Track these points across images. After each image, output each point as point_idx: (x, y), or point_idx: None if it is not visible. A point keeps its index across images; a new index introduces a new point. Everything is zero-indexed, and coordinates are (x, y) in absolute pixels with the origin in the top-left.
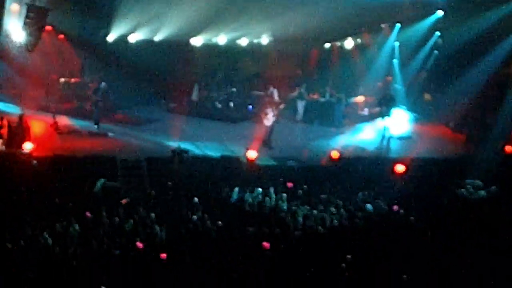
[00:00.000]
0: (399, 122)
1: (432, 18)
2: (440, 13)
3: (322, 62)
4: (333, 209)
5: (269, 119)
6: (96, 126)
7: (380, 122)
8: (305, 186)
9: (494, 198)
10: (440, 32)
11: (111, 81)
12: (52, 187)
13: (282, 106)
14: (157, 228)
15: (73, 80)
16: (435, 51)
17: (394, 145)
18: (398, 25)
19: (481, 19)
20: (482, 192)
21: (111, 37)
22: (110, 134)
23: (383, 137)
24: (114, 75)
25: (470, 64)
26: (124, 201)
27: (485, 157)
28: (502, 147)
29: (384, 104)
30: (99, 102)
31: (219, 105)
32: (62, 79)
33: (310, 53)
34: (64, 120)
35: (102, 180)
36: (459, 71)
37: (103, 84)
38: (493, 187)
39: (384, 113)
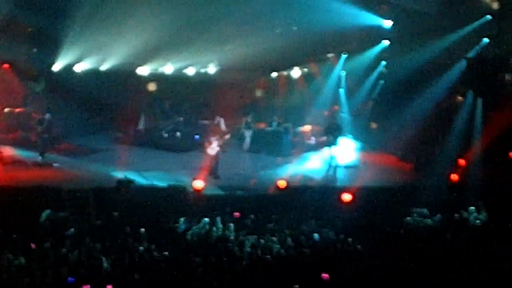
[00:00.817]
0: (346, 151)
1: (378, 48)
2: (385, 43)
3: (269, 91)
4: (280, 238)
5: (213, 148)
6: (40, 157)
7: (327, 151)
8: (252, 216)
9: (439, 226)
10: (386, 61)
11: (56, 111)
12: None
13: (227, 137)
14: (103, 259)
15: (17, 110)
16: (381, 81)
17: (341, 174)
18: (345, 54)
19: (427, 49)
20: (428, 220)
21: (57, 67)
22: (55, 164)
23: (330, 166)
24: (60, 105)
25: (416, 93)
26: (70, 232)
27: (431, 185)
28: (448, 175)
29: (330, 133)
30: (44, 132)
31: (166, 135)
32: (6, 109)
33: (257, 83)
34: (8, 151)
35: (47, 211)
36: (405, 100)
37: (47, 114)
38: (438, 215)
39: (331, 142)
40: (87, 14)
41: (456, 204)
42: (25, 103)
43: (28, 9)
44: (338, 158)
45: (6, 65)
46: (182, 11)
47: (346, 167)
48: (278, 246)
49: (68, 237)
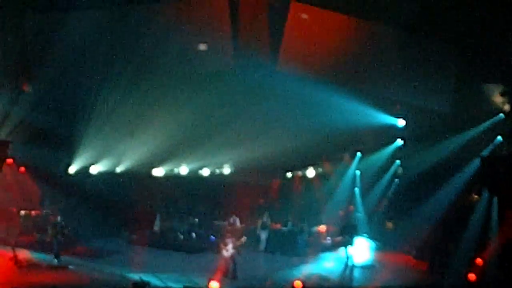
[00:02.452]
0: (362, 251)
1: (392, 147)
2: (399, 141)
3: (284, 191)
4: None
5: (228, 250)
6: (56, 260)
7: (343, 251)
8: None
9: None
10: (400, 160)
11: (72, 213)
12: None
13: (243, 239)
14: None
15: (33, 212)
16: (396, 179)
17: (357, 274)
18: (359, 154)
19: (441, 147)
20: None
21: (72, 169)
22: (70, 267)
23: (346, 266)
24: (75, 206)
25: (431, 192)
26: None
27: (448, 285)
28: (465, 274)
29: (346, 232)
30: (57, 235)
31: (181, 236)
32: (22, 212)
33: (272, 183)
34: (23, 254)
35: None
36: (420, 199)
37: (59, 217)
38: None
39: (346, 242)
40: (103, 117)
41: None
42: (42, 205)
43: (45, 112)
44: (354, 258)
45: (22, 168)
46: (197, 113)
47: (362, 267)
48: None
49: None
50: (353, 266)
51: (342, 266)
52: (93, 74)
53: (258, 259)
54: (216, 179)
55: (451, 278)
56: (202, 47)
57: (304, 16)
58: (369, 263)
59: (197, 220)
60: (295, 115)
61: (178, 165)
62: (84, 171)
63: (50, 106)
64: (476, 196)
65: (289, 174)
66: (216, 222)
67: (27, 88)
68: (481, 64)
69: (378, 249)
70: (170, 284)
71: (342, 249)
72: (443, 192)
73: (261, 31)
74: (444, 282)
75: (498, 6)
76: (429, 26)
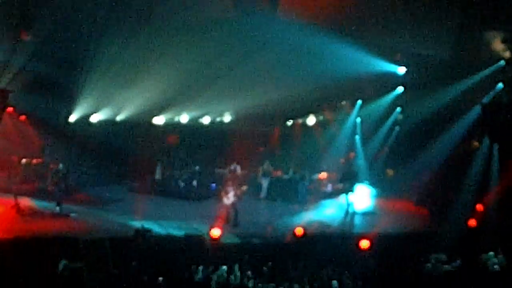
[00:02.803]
0: (362, 198)
1: (393, 94)
2: (400, 89)
3: (285, 139)
4: (298, 286)
5: (229, 197)
6: (58, 207)
7: (343, 198)
8: (269, 263)
9: (458, 272)
10: (401, 107)
11: (73, 161)
12: (14, 270)
13: (244, 188)
14: None
15: (34, 161)
16: (397, 127)
17: (358, 221)
18: (360, 101)
19: (441, 94)
20: (447, 266)
21: (73, 118)
22: (72, 214)
23: (347, 212)
24: (77, 155)
25: (431, 139)
26: None
27: (449, 231)
28: (465, 221)
29: (347, 180)
30: (59, 183)
31: (182, 184)
32: (23, 160)
33: (272, 130)
34: (25, 201)
35: (63, 262)
36: (420, 146)
37: (61, 165)
38: (457, 261)
39: (347, 189)
40: (103, 65)
41: (474, 250)
42: (43, 154)
43: (45, 61)
44: (355, 204)
45: (23, 117)
46: (197, 61)
47: (363, 213)
48: None
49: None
50: (354, 213)
51: (343, 213)
52: (93, 22)
53: (260, 207)
54: (216, 127)
55: (451, 224)
56: None
57: None
58: (370, 209)
59: (198, 168)
60: (295, 63)
61: (179, 113)
62: (84, 120)
63: (50, 54)
64: (476, 143)
65: (289, 122)
66: (217, 170)
67: (27, 37)
68: (482, 10)
69: (379, 195)
70: (171, 231)
71: (343, 196)
72: (443, 139)
73: None
74: (445, 228)
75: None
76: None
